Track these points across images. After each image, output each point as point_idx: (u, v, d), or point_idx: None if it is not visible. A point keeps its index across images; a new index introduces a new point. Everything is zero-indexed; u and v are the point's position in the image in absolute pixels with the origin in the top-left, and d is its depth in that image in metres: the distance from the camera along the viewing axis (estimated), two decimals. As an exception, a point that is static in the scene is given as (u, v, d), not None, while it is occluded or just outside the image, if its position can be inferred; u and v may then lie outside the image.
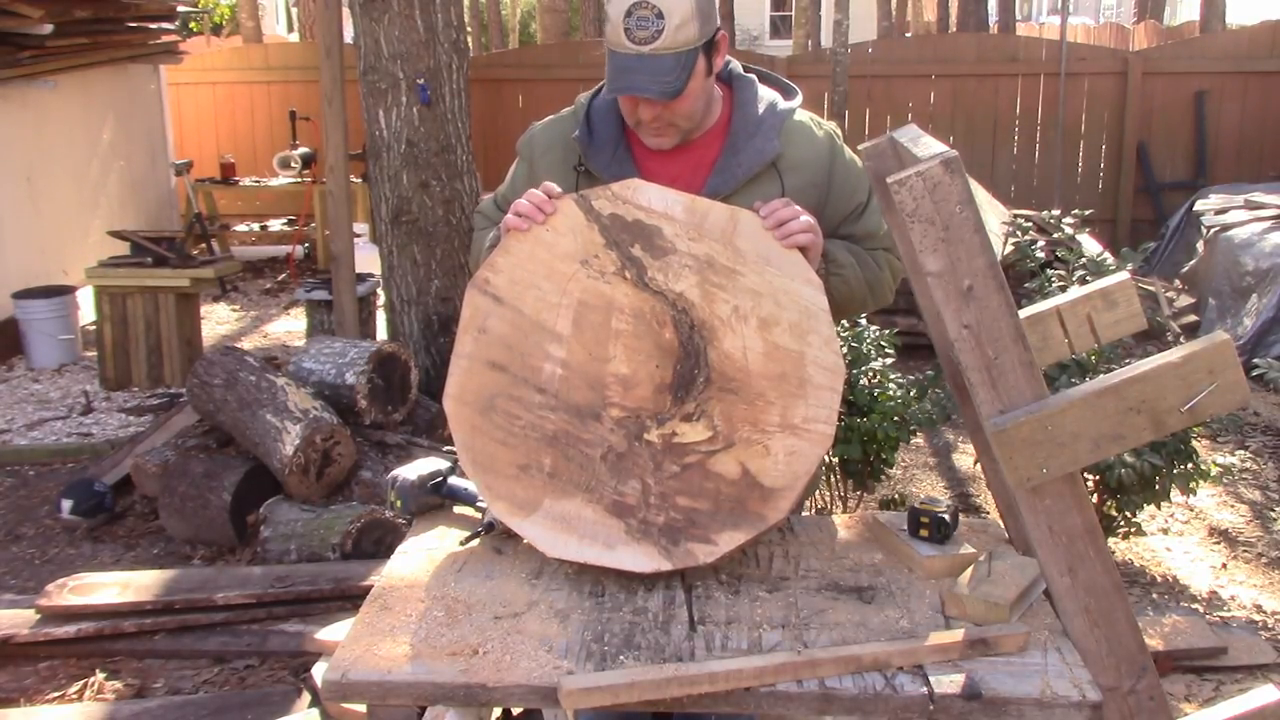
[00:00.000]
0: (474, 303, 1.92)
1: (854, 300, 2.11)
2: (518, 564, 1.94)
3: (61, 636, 3.28)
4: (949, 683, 1.57)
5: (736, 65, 2.13)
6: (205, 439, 4.45)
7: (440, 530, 2.10)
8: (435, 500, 2.17)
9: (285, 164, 8.89)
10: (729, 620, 1.75)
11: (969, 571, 1.80)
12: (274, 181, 9.17)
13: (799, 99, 2.12)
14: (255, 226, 9.61)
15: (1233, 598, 3.69)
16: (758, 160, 2.02)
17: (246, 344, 6.97)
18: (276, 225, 9.52)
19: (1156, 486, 3.56)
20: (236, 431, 4.24)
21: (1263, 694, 2.17)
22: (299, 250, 9.13)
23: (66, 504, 4.34)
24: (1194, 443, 3.61)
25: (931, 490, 4.72)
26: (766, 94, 2.09)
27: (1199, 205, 7.72)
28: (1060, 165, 9.08)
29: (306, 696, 3.01)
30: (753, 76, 2.11)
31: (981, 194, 6.88)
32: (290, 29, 26.37)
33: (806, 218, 1.88)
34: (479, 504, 2.10)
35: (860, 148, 1.95)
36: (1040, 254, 4.18)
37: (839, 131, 2.14)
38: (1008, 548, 1.96)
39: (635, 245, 1.89)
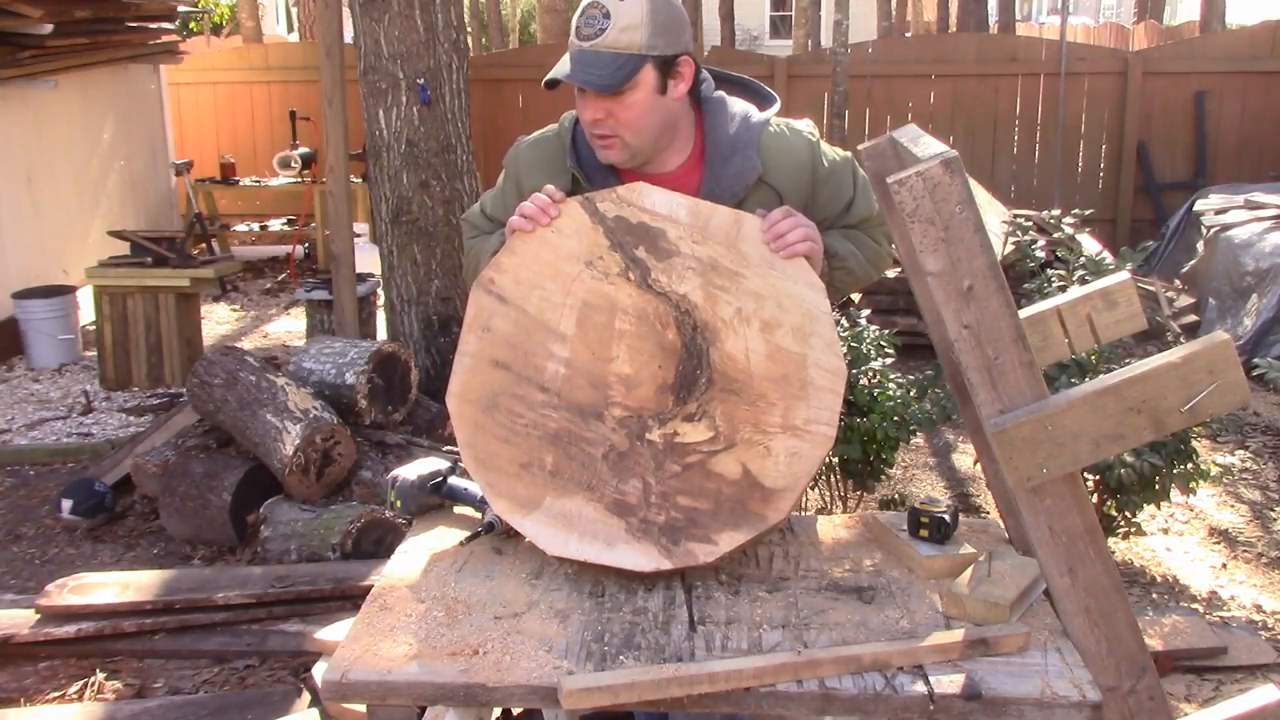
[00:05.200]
0: (479, 302, 1.94)
1: (859, 281, 2.15)
2: (518, 564, 1.94)
3: (61, 636, 3.28)
4: (949, 683, 1.58)
5: (708, 81, 2.09)
6: (205, 439, 4.45)
7: (440, 530, 2.10)
8: (435, 500, 2.18)
9: (285, 164, 8.89)
10: (729, 620, 1.75)
11: (969, 571, 1.80)
12: (274, 181, 9.16)
13: (775, 107, 2.10)
14: (255, 226, 9.60)
15: (1233, 598, 3.69)
16: (740, 183, 2.01)
17: (246, 344, 6.97)
18: (276, 225, 9.51)
19: (1156, 486, 3.56)
20: (236, 431, 4.24)
21: (1263, 694, 2.16)
22: (299, 250, 9.13)
23: (66, 504, 4.33)
24: (1194, 443, 3.61)
25: (931, 490, 4.72)
26: (738, 108, 2.07)
27: (1199, 205, 7.71)
28: (1060, 165, 9.08)
29: (306, 696, 3.01)
30: (721, 95, 2.08)
31: (981, 194, 6.88)
32: (290, 29, 26.37)
33: (805, 227, 1.89)
34: (479, 504, 2.10)
35: (860, 148, 1.96)
36: (1040, 254, 4.17)
37: (815, 131, 2.13)
38: (1008, 548, 1.96)
39: (640, 247, 1.90)
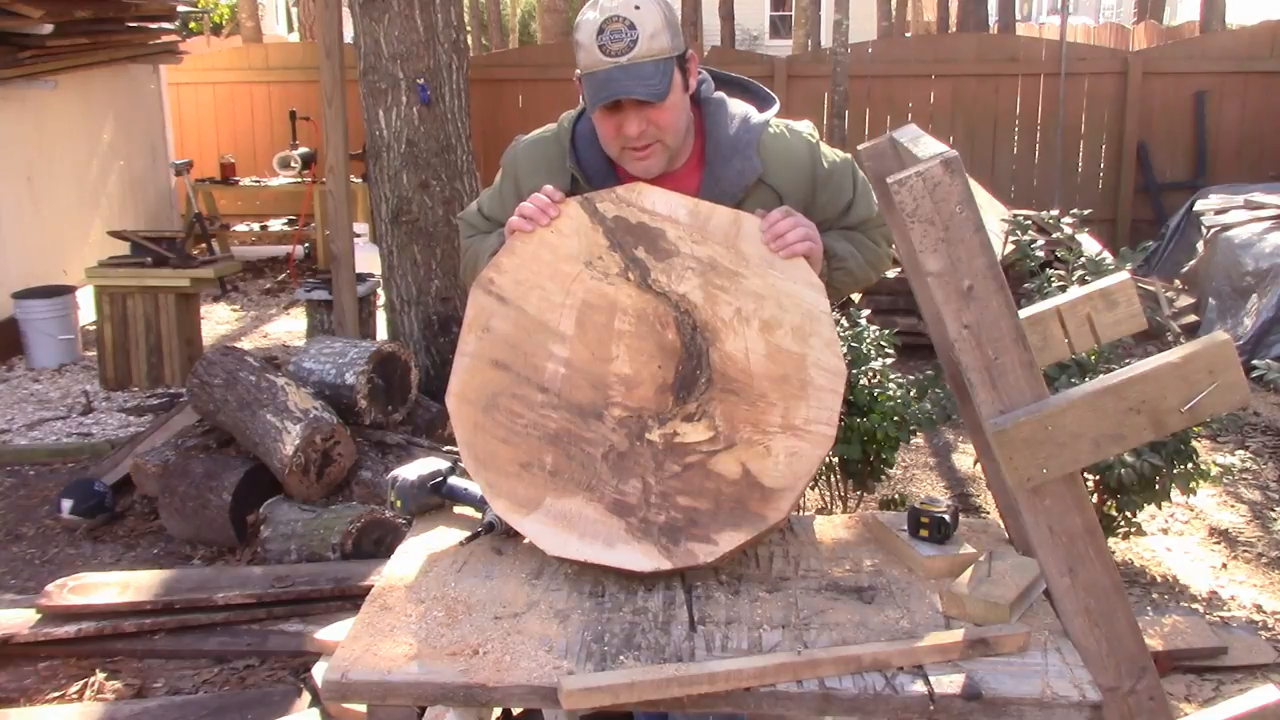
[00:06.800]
0: (478, 302, 1.94)
1: (858, 282, 2.16)
2: (518, 564, 1.94)
3: (61, 636, 3.28)
4: (949, 683, 1.57)
5: (708, 82, 2.10)
6: (205, 439, 4.45)
7: (440, 530, 2.10)
8: (435, 500, 2.18)
9: (285, 164, 8.89)
10: (729, 620, 1.75)
11: (969, 571, 1.80)
12: (274, 181, 9.17)
13: (774, 108, 2.11)
14: (255, 226, 9.60)
15: (1233, 598, 3.69)
16: (739, 183, 2.01)
17: (246, 344, 6.97)
18: (276, 225, 9.51)
19: (1156, 486, 3.56)
20: (236, 431, 4.24)
21: (1263, 694, 2.16)
22: (299, 250, 9.13)
23: (66, 504, 4.33)
24: (1194, 443, 3.61)
25: (931, 490, 4.72)
26: (738, 109, 2.07)
27: (1199, 205, 7.71)
28: (1060, 165, 9.08)
29: (306, 696, 3.01)
30: (721, 96, 2.09)
31: (981, 194, 6.88)
32: (290, 29, 26.38)
33: (804, 227, 1.89)
34: (479, 504, 2.10)
35: (860, 148, 1.96)
36: (1040, 254, 4.17)
37: (815, 133, 2.13)
38: (1008, 548, 1.96)
39: (639, 247, 1.90)
